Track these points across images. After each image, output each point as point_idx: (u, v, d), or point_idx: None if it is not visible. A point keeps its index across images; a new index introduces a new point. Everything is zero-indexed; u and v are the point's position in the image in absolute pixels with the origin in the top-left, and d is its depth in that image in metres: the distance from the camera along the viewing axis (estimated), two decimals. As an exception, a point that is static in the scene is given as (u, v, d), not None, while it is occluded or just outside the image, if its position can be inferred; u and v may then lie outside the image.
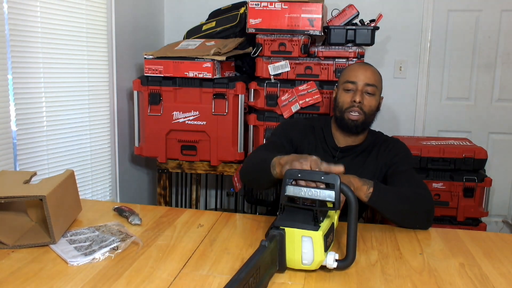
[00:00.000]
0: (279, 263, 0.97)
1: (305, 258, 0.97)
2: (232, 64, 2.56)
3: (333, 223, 1.04)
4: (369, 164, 1.50)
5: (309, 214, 0.98)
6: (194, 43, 2.44)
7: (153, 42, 3.01)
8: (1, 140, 1.83)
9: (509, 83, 2.89)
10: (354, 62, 1.60)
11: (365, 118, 1.47)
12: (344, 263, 0.99)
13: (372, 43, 2.32)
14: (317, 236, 0.95)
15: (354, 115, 1.46)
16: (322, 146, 1.54)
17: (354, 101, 1.46)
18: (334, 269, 0.98)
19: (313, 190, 0.97)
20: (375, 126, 1.61)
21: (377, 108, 1.53)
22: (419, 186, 1.35)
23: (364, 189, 1.23)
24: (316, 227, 0.96)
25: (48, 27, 2.05)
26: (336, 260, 0.97)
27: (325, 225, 0.99)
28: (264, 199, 2.60)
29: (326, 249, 0.98)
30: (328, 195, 0.96)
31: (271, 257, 0.93)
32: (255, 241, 1.18)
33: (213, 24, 2.60)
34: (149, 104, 2.38)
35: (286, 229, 0.97)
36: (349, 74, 1.50)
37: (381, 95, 1.56)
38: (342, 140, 1.54)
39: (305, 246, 0.96)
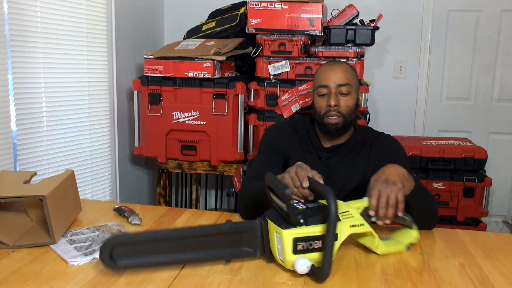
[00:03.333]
0: (266, 251, 1.03)
1: (279, 254, 0.99)
2: (232, 64, 2.56)
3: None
4: (359, 162, 1.47)
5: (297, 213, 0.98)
6: (194, 43, 2.44)
7: (153, 42, 3.01)
8: (1, 140, 1.83)
9: (509, 83, 2.89)
10: (325, 62, 1.53)
11: (345, 119, 1.43)
12: (317, 275, 0.96)
13: (372, 43, 2.32)
14: (285, 235, 0.96)
15: (333, 119, 1.42)
16: (307, 148, 1.51)
17: (330, 105, 1.41)
18: (311, 278, 0.97)
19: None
20: (375, 126, 1.61)
21: (357, 105, 1.48)
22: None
23: (410, 181, 1.16)
24: (287, 226, 0.97)
25: (48, 27, 2.05)
26: (312, 269, 0.96)
27: (306, 230, 0.97)
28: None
29: (296, 252, 0.97)
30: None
31: (236, 240, 1.02)
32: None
33: (213, 24, 2.60)
34: (149, 104, 2.38)
35: (268, 220, 1.01)
36: (320, 78, 1.45)
37: (359, 90, 1.50)
38: (327, 140, 1.50)
39: (278, 241, 0.99)
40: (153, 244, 0.98)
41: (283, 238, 0.96)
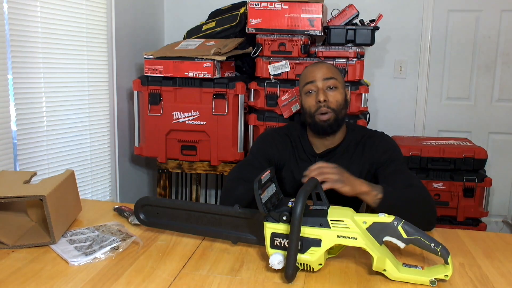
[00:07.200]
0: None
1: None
2: (232, 64, 2.56)
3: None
4: (353, 163, 1.46)
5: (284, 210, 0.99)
6: (194, 43, 2.44)
7: (153, 42, 3.01)
8: (1, 140, 1.83)
9: (509, 83, 2.89)
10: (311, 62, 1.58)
11: (336, 114, 1.42)
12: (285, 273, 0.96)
13: (372, 43, 2.32)
14: (265, 227, 1.00)
15: (324, 115, 1.41)
16: (299, 155, 1.51)
17: (319, 101, 1.41)
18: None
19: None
20: (375, 126, 1.60)
21: (346, 100, 1.47)
22: (416, 185, 1.33)
23: (372, 195, 1.22)
24: (270, 219, 0.99)
25: (48, 27, 2.05)
26: (284, 267, 0.96)
27: (285, 227, 0.98)
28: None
29: (273, 247, 0.99)
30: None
31: (242, 224, 1.08)
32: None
33: (213, 24, 2.60)
34: (149, 104, 2.38)
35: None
36: (305, 76, 1.46)
37: (346, 87, 1.51)
38: (320, 145, 1.49)
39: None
40: (173, 210, 1.16)
41: (265, 230, 1.00)
